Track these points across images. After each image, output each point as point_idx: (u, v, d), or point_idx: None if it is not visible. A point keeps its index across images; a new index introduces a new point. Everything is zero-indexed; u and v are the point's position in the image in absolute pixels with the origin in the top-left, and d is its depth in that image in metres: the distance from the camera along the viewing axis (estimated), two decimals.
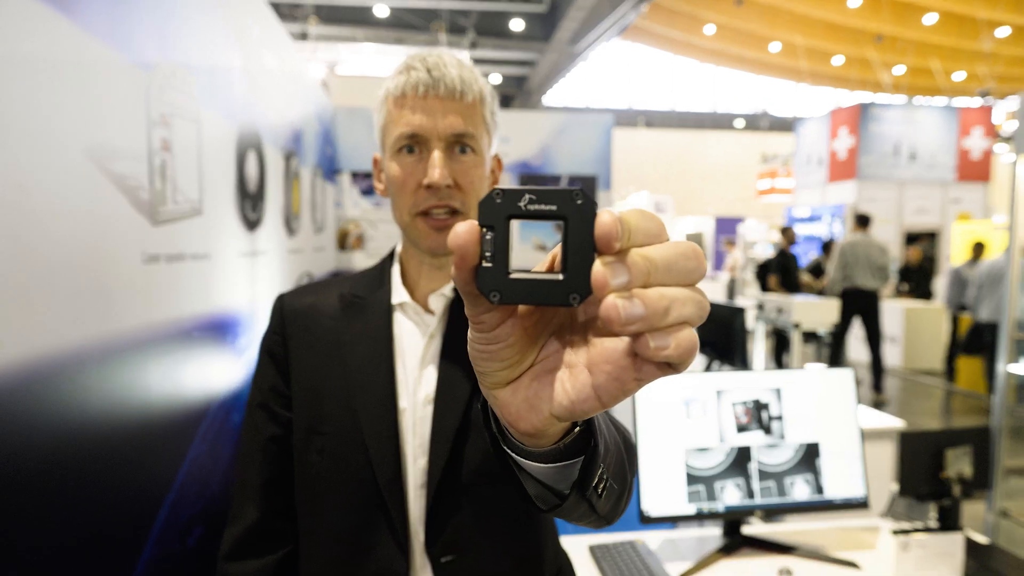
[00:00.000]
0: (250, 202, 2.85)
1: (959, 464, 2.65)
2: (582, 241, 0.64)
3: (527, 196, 0.65)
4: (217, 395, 2.39)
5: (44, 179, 1.41)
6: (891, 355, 13.05)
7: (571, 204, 0.65)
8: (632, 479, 1.18)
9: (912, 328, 12.97)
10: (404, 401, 1.52)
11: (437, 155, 1.48)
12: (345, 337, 1.57)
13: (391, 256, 1.68)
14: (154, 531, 1.91)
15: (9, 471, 1.30)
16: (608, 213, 0.61)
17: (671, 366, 0.65)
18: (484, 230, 0.66)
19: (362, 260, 6.18)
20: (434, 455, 1.47)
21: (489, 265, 0.65)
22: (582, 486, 0.90)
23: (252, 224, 2.87)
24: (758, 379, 2.51)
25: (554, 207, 0.65)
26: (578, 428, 0.87)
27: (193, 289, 2.19)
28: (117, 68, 1.73)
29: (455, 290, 1.58)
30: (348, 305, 1.61)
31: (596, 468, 0.90)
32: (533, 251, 7.63)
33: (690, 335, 0.62)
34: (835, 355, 10.60)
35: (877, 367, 10.58)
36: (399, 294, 1.59)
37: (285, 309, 1.62)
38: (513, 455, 0.89)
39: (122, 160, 1.74)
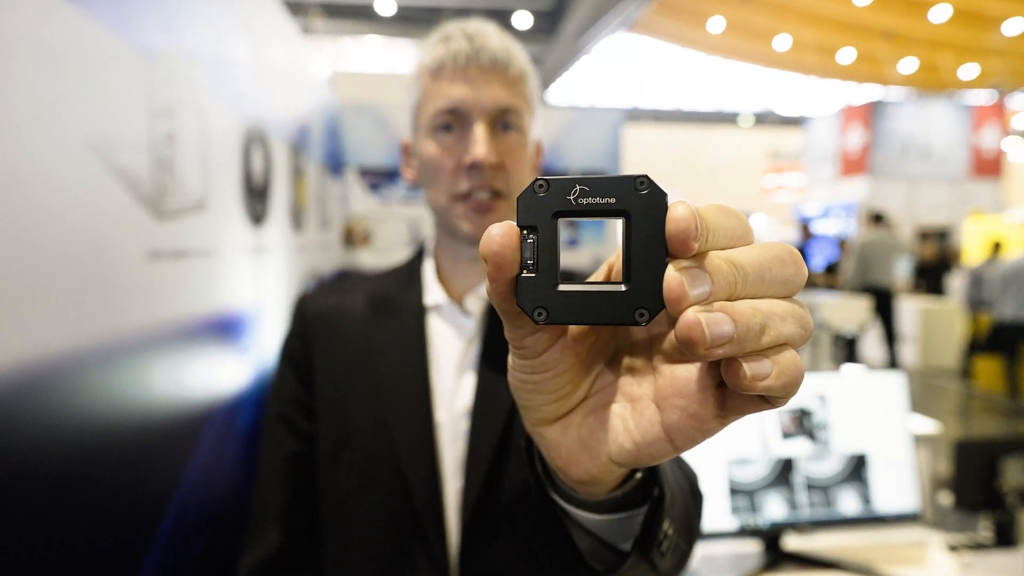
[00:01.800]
0: (256, 197, 2.80)
1: (1017, 475, 2.57)
2: (649, 241, 0.53)
3: (577, 187, 0.54)
4: (222, 397, 2.34)
5: (42, 171, 1.36)
6: (906, 354, 12.97)
7: (634, 195, 0.53)
8: (698, 531, 1.01)
9: (928, 327, 12.89)
10: (441, 413, 1.39)
11: (480, 130, 1.35)
12: (375, 341, 1.44)
13: (420, 252, 1.57)
14: (158, 537, 1.85)
15: (8, 474, 1.25)
16: (683, 205, 0.50)
17: (767, 400, 0.54)
18: (525, 232, 0.54)
19: (369, 258, 6.14)
20: (470, 476, 1.33)
21: (532, 275, 0.54)
22: (644, 544, 0.76)
23: (258, 219, 2.82)
24: (802, 384, 2.38)
25: (612, 200, 0.53)
26: (640, 474, 0.75)
27: (198, 287, 2.14)
28: (120, 56, 1.67)
29: None
30: (377, 306, 1.48)
31: (660, 522, 0.76)
32: None
33: (794, 359, 0.52)
34: (851, 354, 10.56)
35: (893, 366, 10.53)
36: (433, 294, 1.48)
37: (307, 311, 1.52)
38: (562, 503, 0.76)
39: (124, 152, 1.68)
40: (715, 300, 0.50)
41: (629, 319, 0.54)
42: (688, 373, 0.59)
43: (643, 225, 0.53)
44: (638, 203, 0.53)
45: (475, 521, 1.33)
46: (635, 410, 0.62)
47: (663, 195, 0.53)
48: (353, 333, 1.47)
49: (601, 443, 0.63)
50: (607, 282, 0.56)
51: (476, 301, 1.46)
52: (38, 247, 1.34)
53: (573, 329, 0.61)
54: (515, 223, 0.55)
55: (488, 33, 1.41)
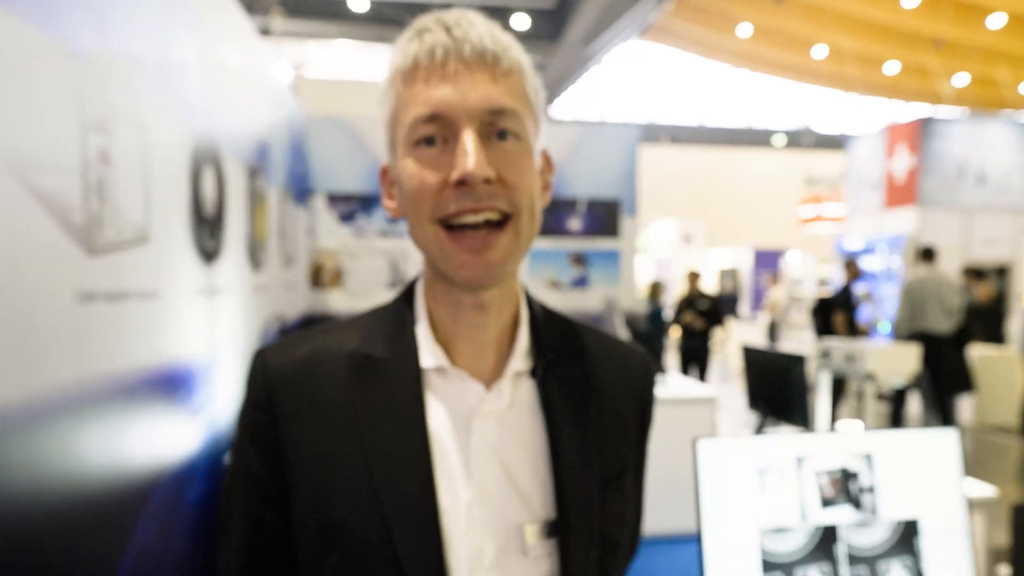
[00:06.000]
0: (207, 228, 2.76)
1: None
2: None
3: None
4: (169, 465, 2.28)
5: None
6: (960, 408, 12.93)
7: None
8: None
9: (984, 378, 12.84)
10: (445, 498, 1.30)
11: (469, 137, 1.22)
12: (362, 415, 1.31)
13: (410, 295, 1.44)
14: None
15: None
16: None
17: None
18: None
19: (340, 300, 6.11)
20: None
21: None
22: None
23: (209, 255, 2.77)
24: (845, 443, 2.38)
25: None
26: None
27: (138, 334, 2.09)
28: (44, 55, 1.63)
29: (539, 355, 1.38)
30: (361, 368, 1.35)
31: None
32: (545, 288, 7.50)
33: None
34: (897, 410, 10.55)
35: (947, 423, 10.51)
36: (431, 353, 1.36)
37: (271, 373, 1.37)
38: None
39: (50, 173, 1.63)
40: None
41: None
42: None
43: None
44: None
45: None
46: None
47: None
48: (334, 403, 1.35)
49: None
50: None
51: (483, 362, 1.37)
52: None
53: None
54: None
55: (472, 21, 1.29)
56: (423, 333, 1.39)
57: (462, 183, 1.22)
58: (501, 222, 1.26)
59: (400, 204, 1.36)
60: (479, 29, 1.27)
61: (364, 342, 1.40)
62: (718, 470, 2.30)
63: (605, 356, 1.51)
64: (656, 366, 7.05)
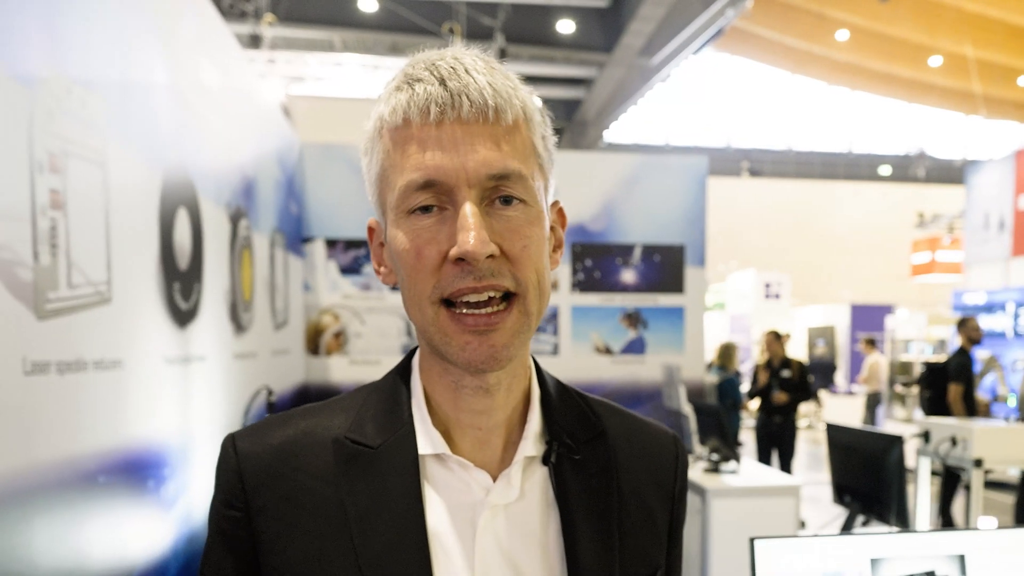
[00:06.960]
0: (180, 285, 2.78)
1: None
2: None
3: None
4: (134, 569, 2.31)
5: None
6: None
7: None
8: None
9: None
10: None
11: (469, 209, 1.26)
12: (351, 511, 1.37)
13: (406, 370, 1.51)
14: None
15: None
16: None
17: None
18: None
19: (343, 368, 6.08)
20: None
21: None
22: None
23: (184, 317, 2.81)
24: (931, 543, 2.41)
25: None
26: None
27: (98, 412, 2.12)
28: None
29: (552, 438, 1.44)
30: (349, 457, 1.41)
31: None
32: (592, 354, 7.49)
33: None
34: (1022, 504, 10.42)
35: None
36: (429, 439, 1.41)
37: (245, 463, 1.43)
38: None
39: None
40: None
41: None
42: None
43: None
44: None
45: None
46: None
47: None
48: (317, 497, 1.40)
49: None
50: None
51: (488, 452, 1.43)
52: None
53: None
54: None
55: (469, 68, 1.33)
56: (420, 411, 1.45)
57: (464, 262, 1.26)
58: (505, 299, 1.31)
59: (391, 271, 1.45)
60: (479, 79, 1.31)
61: (353, 426, 1.46)
62: (779, 574, 2.31)
63: (628, 439, 1.58)
64: (727, 450, 7.07)
